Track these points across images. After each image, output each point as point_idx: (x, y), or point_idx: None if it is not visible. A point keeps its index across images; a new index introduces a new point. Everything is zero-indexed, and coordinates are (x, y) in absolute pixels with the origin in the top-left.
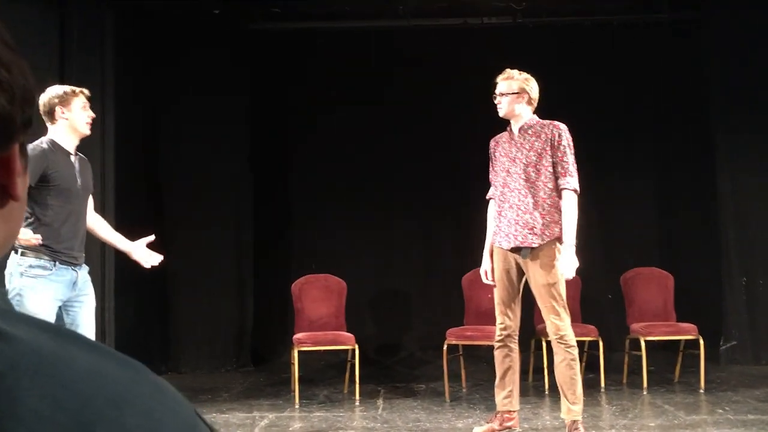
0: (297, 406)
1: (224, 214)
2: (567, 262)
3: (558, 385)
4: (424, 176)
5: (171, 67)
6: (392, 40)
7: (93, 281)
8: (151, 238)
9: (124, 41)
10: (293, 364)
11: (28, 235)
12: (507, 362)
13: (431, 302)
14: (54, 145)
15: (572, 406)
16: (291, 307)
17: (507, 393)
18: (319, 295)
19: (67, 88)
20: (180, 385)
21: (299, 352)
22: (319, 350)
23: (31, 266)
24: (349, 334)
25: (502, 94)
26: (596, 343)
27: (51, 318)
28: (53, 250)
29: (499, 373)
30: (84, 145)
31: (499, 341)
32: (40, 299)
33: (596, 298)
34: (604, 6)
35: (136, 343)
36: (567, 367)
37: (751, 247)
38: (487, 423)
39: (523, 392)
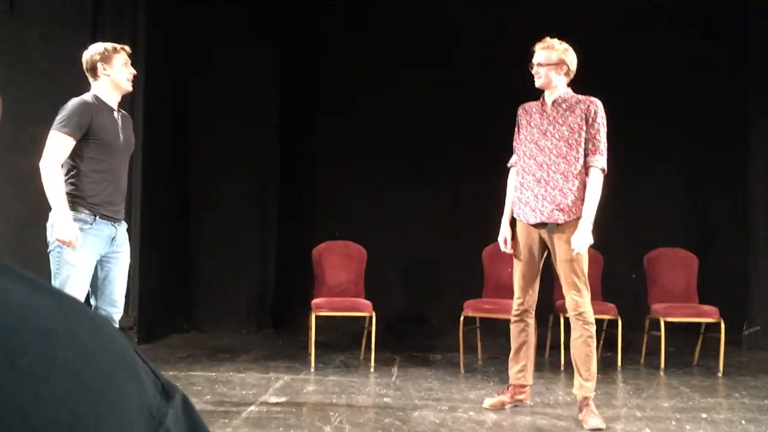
0: (312, 370)
1: (251, 176)
2: (581, 238)
3: (572, 360)
4: (450, 147)
5: (201, 30)
6: (427, 8)
7: None
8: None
9: (158, 4)
10: (311, 328)
11: (71, 233)
12: (522, 337)
13: (453, 273)
14: (98, 101)
15: (585, 382)
16: (312, 273)
17: (521, 367)
18: (339, 261)
19: (109, 45)
20: (201, 344)
21: (317, 317)
22: (338, 316)
23: (77, 220)
24: (367, 302)
25: (540, 65)
26: (615, 321)
27: (89, 272)
28: (93, 204)
29: (514, 346)
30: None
31: (515, 316)
32: (78, 252)
33: (619, 277)
34: None
35: (159, 301)
36: (583, 344)
37: None
38: (499, 395)
39: (539, 367)
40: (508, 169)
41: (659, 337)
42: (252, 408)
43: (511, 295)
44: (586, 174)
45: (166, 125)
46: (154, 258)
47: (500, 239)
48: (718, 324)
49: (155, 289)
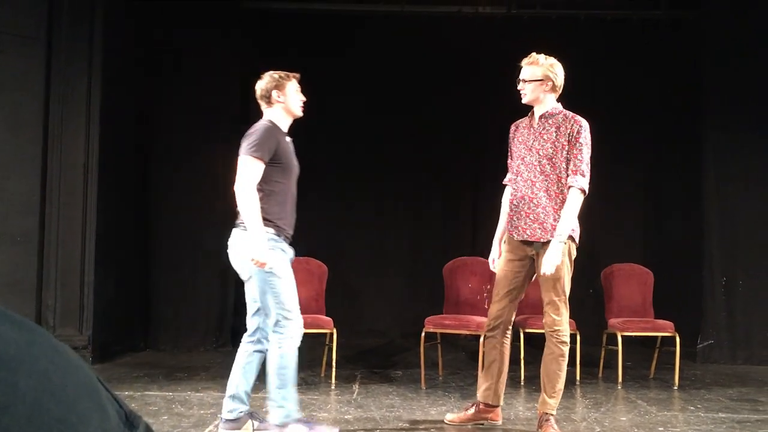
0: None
1: (210, 192)
2: (550, 258)
3: (541, 376)
4: (411, 166)
5: (161, 44)
6: (386, 25)
7: (72, 255)
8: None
9: (115, 15)
10: None
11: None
12: (494, 354)
13: (414, 289)
14: (275, 126)
15: (549, 399)
16: None
17: (488, 385)
18: (299, 277)
19: (282, 73)
20: (158, 363)
21: None
22: None
23: (267, 239)
24: (327, 318)
25: (525, 81)
26: (574, 336)
27: (294, 284)
28: (279, 227)
29: (485, 363)
30: (70, 118)
31: (489, 331)
32: (286, 266)
33: (576, 292)
34: (600, 0)
35: (114, 318)
36: (553, 361)
37: (733, 248)
38: (464, 411)
39: None
40: (503, 187)
41: (616, 351)
42: (210, 428)
43: (471, 311)
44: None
45: (125, 139)
46: (110, 274)
47: (489, 260)
48: (673, 338)
49: (111, 307)
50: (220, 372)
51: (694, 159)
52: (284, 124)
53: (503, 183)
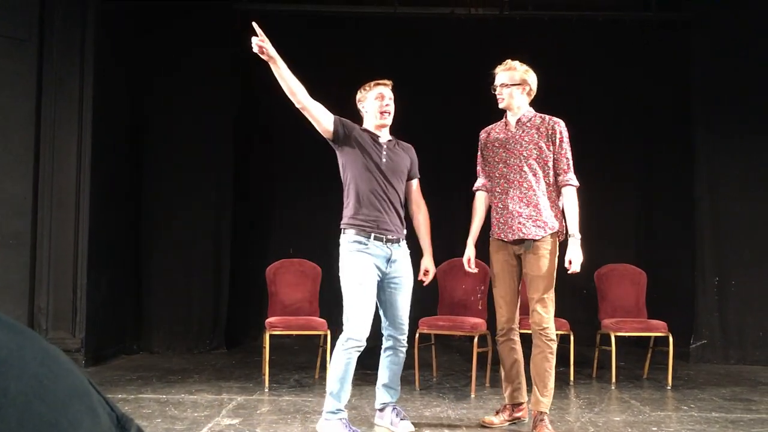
0: (266, 390)
1: (204, 194)
2: (575, 256)
3: (531, 375)
4: None
5: (153, 46)
6: (379, 26)
7: (65, 258)
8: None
9: (107, 17)
10: (265, 347)
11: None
12: (513, 355)
13: None
14: (362, 127)
15: (542, 398)
16: (266, 291)
17: (515, 386)
18: (293, 279)
19: (369, 83)
20: (151, 365)
21: (271, 336)
22: (292, 335)
23: (349, 241)
24: (321, 320)
25: (503, 85)
26: (568, 336)
27: (371, 283)
28: (366, 226)
29: (506, 366)
30: (62, 120)
31: (502, 336)
32: (356, 265)
33: (571, 293)
34: (592, 1)
35: (107, 321)
36: (543, 359)
37: (725, 248)
38: (497, 413)
39: (493, 383)
40: (473, 193)
41: (610, 351)
42: (204, 430)
43: (465, 313)
44: (559, 192)
45: (118, 141)
46: (103, 277)
47: (464, 260)
48: (666, 338)
49: (103, 309)
50: (213, 374)
51: (687, 160)
52: (373, 128)
53: (473, 189)
